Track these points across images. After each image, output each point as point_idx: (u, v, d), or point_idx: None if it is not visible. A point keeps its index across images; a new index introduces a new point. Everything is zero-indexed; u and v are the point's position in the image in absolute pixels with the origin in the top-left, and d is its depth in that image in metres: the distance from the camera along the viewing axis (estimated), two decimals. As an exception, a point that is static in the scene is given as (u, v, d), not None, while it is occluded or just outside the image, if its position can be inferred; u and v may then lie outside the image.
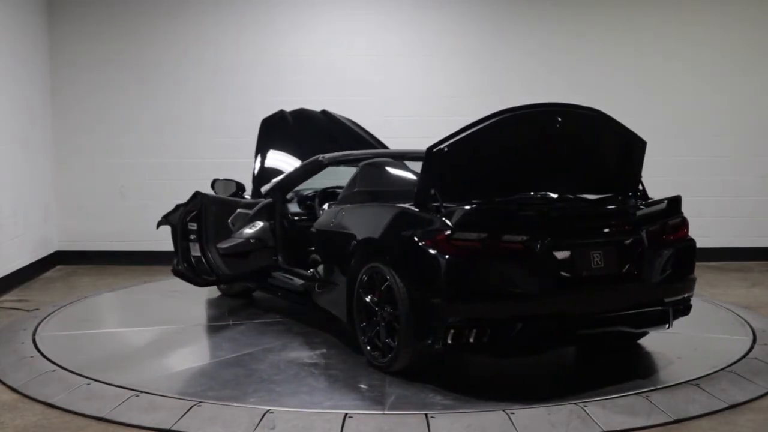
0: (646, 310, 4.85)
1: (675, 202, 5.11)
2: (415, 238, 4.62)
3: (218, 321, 6.34)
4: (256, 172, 6.53)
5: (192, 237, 6.20)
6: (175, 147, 9.05)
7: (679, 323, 5.39)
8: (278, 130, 6.80)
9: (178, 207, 6.45)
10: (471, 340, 4.44)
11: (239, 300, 6.98)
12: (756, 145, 9.10)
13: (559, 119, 4.90)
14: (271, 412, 4.26)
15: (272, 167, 6.57)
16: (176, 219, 6.36)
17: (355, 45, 9.06)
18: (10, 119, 7.93)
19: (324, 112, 7.30)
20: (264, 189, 6.38)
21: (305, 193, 6.75)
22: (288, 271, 6.14)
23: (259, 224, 6.12)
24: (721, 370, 4.97)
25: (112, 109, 9.05)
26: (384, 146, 7.39)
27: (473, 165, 4.83)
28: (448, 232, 4.46)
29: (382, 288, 4.87)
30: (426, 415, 4.23)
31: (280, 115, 6.92)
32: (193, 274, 6.29)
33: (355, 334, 5.18)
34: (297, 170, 6.32)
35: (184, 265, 6.27)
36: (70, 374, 4.93)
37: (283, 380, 4.82)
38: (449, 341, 4.45)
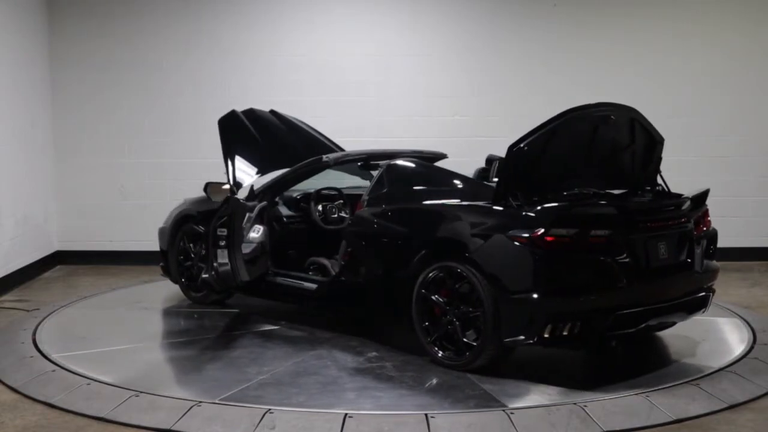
0: (695, 296, 5.17)
1: (704, 194, 5.45)
2: (506, 236, 4.69)
3: (239, 329, 6.13)
4: (231, 176, 6.30)
5: (222, 243, 6.01)
6: (176, 147, 9.05)
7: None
8: (239, 131, 6.62)
9: (210, 213, 6.26)
10: (565, 333, 4.61)
11: (220, 308, 6.69)
12: (756, 145, 9.10)
13: (612, 118, 5.17)
14: (271, 412, 4.26)
15: (245, 170, 6.38)
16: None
17: (354, 45, 9.05)
18: (10, 119, 7.92)
19: (273, 112, 7.13)
20: (257, 189, 6.30)
21: (294, 195, 6.67)
22: (290, 275, 6.07)
23: (260, 228, 6.04)
24: (721, 370, 4.97)
25: (112, 108, 9.06)
26: (338, 146, 7.27)
27: (542, 163, 4.97)
28: (544, 229, 4.58)
29: (457, 286, 4.91)
30: (426, 415, 4.22)
31: (235, 115, 6.72)
32: (217, 282, 6.11)
33: (418, 336, 5.15)
34: (296, 170, 6.26)
35: (212, 273, 6.06)
36: (70, 374, 4.93)
37: (371, 387, 4.71)
38: (545, 335, 4.59)
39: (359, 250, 5.56)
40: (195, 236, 6.74)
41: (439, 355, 5.02)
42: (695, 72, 9.06)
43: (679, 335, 5.72)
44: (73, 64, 8.99)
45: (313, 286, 5.89)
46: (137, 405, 4.42)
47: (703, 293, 5.23)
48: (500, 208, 4.86)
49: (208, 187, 6.28)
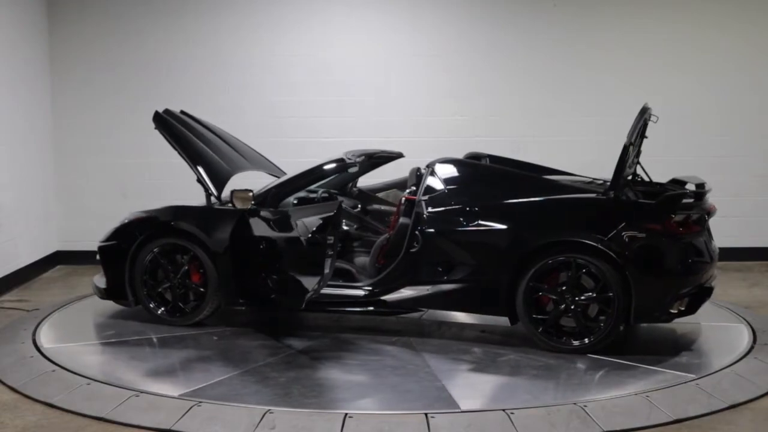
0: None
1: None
2: (636, 225, 5.19)
3: (294, 346, 5.59)
4: (210, 184, 5.99)
5: (330, 252, 5.45)
6: (175, 147, 9.02)
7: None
8: (181, 135, 6.30)
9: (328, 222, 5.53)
10: (682, 309, 5.27)
11: (211, 328, 6.01)
12: (755, 145, 9.09)
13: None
14: (271, 412, 4.26)
15: (219, 172, 6.14)
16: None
17: (354, 45, 9.04)
18: (10, 119, 7.92)
19: (183, 112, 6.80)
20: (263, 192, 6.13)
21: (291, 201, 6.53)
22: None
23: None
24: (721, 370, 4.98)
25: (112, 108, 9.05)
26: (248, 145, 7.13)
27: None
28: (673, 216, 5.22)
29: (574, 276, 5.23)
30: (426, 414, 4.23)
31: (164, 118, 6.36)
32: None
33: (525, 327, 5.39)
34: (316, 171, 6.07)
35: (320, 284, 5.41)
36: (70, 374, 4.94)
37: (543, 382, 4.82)
38: (673, 311, 5.23)
39: (439, 248, 5.53)
40: (174, 252, 6.08)
41: (553, 341, 5.31)
42: (694, 72, 9.05)
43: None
44: (73, 64, 8.98)
45: (360, 292, 5.72)
46: (137, 405, 4.42)
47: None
48: (619, 200, 5.31)
49: (232, 195, 5.85)
